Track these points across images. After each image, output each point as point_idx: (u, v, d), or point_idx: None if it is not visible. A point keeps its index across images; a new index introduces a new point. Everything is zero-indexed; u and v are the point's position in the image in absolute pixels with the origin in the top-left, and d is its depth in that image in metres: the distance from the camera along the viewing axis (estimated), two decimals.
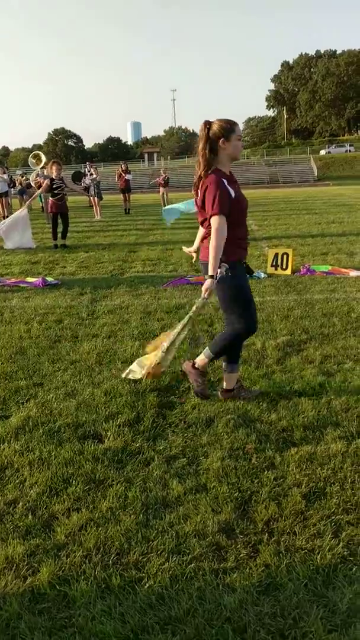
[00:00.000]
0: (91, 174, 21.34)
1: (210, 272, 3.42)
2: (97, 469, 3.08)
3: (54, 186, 12.02)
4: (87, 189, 22.06)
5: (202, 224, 3.69)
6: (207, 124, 3.47)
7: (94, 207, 20.74)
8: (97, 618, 2.07)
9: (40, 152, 18.05)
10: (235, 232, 3.53)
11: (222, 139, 3.45)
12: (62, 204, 12.27)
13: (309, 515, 2.63)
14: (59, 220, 12.36)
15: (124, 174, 21.59)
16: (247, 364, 4.56)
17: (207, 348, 3.96)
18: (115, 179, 22.79)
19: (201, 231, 3.76)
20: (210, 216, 3.44)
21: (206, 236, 3.61)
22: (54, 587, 2.25)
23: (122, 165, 22.19)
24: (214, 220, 3.41)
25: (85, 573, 2.31)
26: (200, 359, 3.95)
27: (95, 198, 20.49)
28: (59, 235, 12.41)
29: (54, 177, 12.08)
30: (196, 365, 3.96)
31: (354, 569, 2.28)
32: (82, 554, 2.42)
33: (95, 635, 2.00)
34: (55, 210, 12.27)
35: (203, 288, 3.49)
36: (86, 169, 23.82)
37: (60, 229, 12.42)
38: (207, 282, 3.44)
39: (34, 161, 19.62)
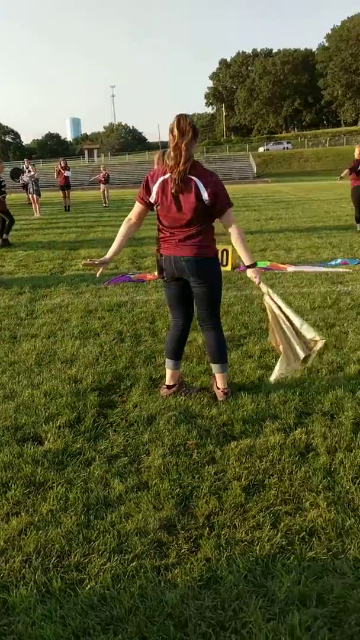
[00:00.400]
0: (29, 171, 20.94)
1: (249, 262, 3.74)
2: (37, 472, 3.03)
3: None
4: (25, 186, 21.64)
5: (189, 222, 3.57)
6: (189, 117, 3.43)
7: (33, 205, 20.35)
8: (37, 623, 2.04)
9: None
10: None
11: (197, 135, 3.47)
12: (2, 202, 12.06)
13: (249, 507, 2.68)
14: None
15: (63, 171, 21.27)
16: (189, 361, 4.59)
17: (217, 365, 3.89)
18: (54, 176, 22.41)
19: (184, 232, 3.62)
20: (227, 209, 3.63)
21: (196, 234, 3.62)
22: None
23: (61, 162, 21.85)
24: (232, 213, 3.68)
25: (25, 578, 2.27)
26: (222, 378, 3.90)
27: (34, 195, 20.11)
28: None
29: None
30: (221, 387, 3.90)
31: (292, 557, 2.33)
32: (22, 559, 2.38)
33: None
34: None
35: (253, 276, 3.75)
36: (24, 166, 23.33)
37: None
38: (253, 271, 3.75)
39: None
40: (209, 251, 3.71)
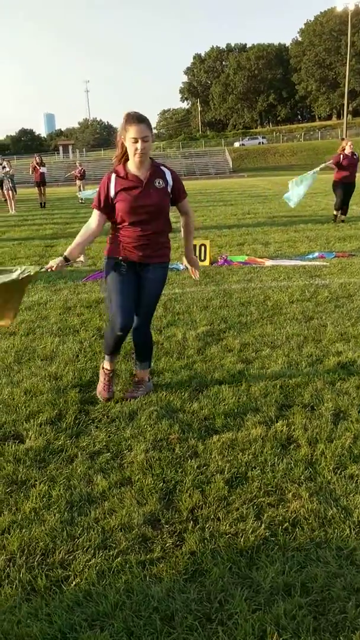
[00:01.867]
0: (4, 167, 20.70)
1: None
2: (19, 470, 3.01)
3: None
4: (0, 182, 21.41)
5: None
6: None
7: (8, 201, 20.13)
8: (23, 621, 2.03)
9: None
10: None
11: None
12: None
13: (232, 500, 2.70)
14: None
15: (38, 167, 21.08)
16: (169, 355, 4.59)
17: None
18: (29, 172, 22.20)
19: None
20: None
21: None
22: None
23: (37, 158, 21.66)
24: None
25: (9, 577, 2.26)
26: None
27: (10, 192, 19.90)
28: None
29: None
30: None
31: (275, 548, 2.36)
32: (6, 558, 2.36)
33: (21, 639, 1.96)
34: None
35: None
36: None
37: None
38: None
39: None
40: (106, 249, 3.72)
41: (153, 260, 3.62)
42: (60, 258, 3.54)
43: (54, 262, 3.52)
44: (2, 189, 21.45)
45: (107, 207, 3.51)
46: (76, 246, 3.54)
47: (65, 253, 3.55)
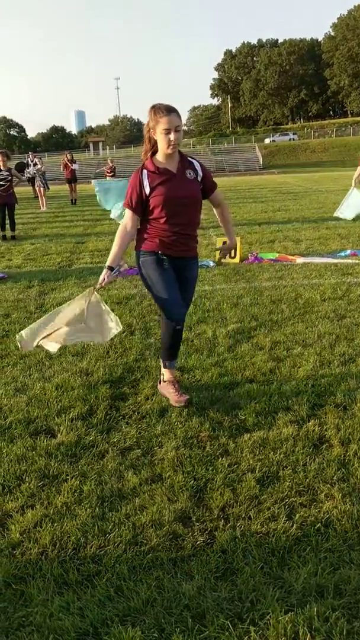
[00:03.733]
0: (35, 164, 20.93)
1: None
2: (50, 465, 3.04)
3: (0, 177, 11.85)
4: (31, 179, 21.64)
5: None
6: None
7: (40, 198, 20.34)
8: (55, 614, 2.05)
9: None
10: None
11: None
12: (7, 195, 12.07)
13: (263, 499, 2.67)
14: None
15: (69, 164, 21.23)
16: (199, 353, 4.58)
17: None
18: (60, 169, 22.38)
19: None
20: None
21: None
22: (9, 586, 2.21)
23: (68, 155, 21.81)
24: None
25: (41, 570, 2.28)
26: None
27: (41, 189, 20.11)
28: (7, 226, 12.25)
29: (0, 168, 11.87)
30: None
31: (308, 549, 2.33)
32: (38, 551, 2.39)
33: (54, 632, 1.98)
34: (0, 201, 12.09)
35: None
36: (29, 159, 23.31)
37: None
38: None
39: None
40: (139, 244, 3.65)
41: (188, 254, 3.61)
42: (105, 270, 3.54)
43: (102, 277, 3.54)
44: (33, 185, 21.68)
45: (141, 206, 3.46)
46: (117, 252, 3.53)
47: (108, 263, 3.55)
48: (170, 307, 3.54)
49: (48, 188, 20.62)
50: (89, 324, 3.68)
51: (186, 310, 3.76)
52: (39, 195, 20.53)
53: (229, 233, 3.91)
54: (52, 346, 3.66)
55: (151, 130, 3.35)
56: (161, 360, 3.82)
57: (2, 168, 11.87)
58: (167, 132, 3.26)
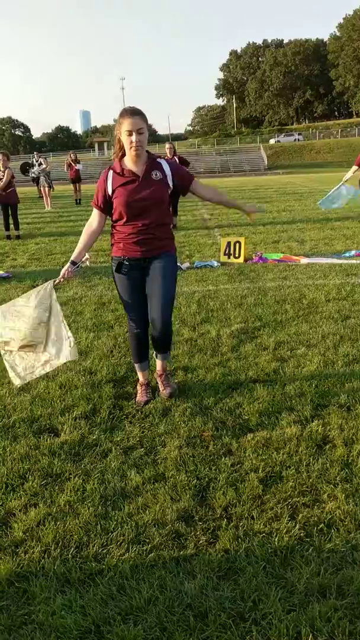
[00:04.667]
0: (40, 164, 20.96)
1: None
2: (53, 463, 3.04)
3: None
4: (36, 179, 21.67)
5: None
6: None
7: (44, 198, 20.37)
8: (57, 612, 2.06)
9: None
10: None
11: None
12: (9, 195, 12.09)
13: (266, 499, 2.67)
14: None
15: (74, 164, 21.25)
16: (203, 352, 4.58)
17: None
18: (64, 169, 22.41)
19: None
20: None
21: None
22: (12, 584, 2.21)
23: (71, 155, 21.83)
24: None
25: (44, 568, 2.29)
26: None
27: (46, 188, 20.14)
28: (11, 226, 12.28)
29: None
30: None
31: (310, 549, 2.33)
32: (41, 550, 2.39)
33: (56, 630, 1.98)
34: (2, 200, 12.11)
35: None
36: (34, 160, 23.35)
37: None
38: None
39: None
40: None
41: (156, 252, 3.56)
42: (68, 264, 3.61)
43: (64, 271, 3.61)
44: (38, 185, 21.70)
45: (106, 205, 3.53)
46: (81, 249, 3.65)
47: (72, 258, 3.63)
48: (128, 312, 3.76)
49: (53, 188, 20.63)
50: (51, 336, 3.60)
51: (166, 304, 3.60)
52: (43, 195, 20.55)
53: (228, 202, 3.92)
54: (15, 379, 3.65)
55: (117, 132, 3.37)
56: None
57: (0, 168, 11.90)
58: (129, 133, 3.28)
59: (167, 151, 12.31)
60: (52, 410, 3.67)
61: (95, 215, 3.61)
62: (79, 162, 21.73)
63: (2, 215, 12.33)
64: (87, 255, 3.78)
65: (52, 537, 2.46)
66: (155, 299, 3.58)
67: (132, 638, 1.93)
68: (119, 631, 1.96)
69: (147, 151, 3.45)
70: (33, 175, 22.21)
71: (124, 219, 3.48)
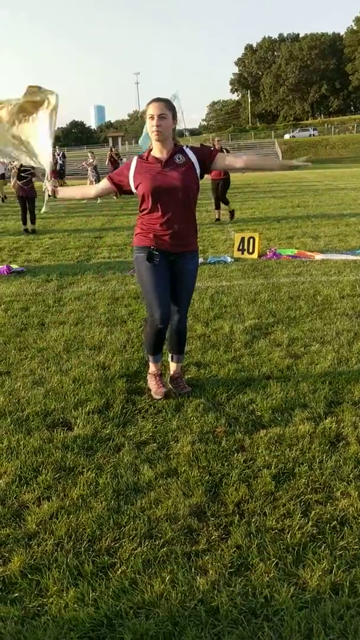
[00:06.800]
0: (88, 159, 21.40)
1: None
2: (67, 457, 3.06)
3: (23, 170, 12.10)
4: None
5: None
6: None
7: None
8: (70, 605, 2.07)
9: None
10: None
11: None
12: (29, 189, 12.28)
13: (279, 495, 2.67)
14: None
15: (116, 159, 21.56)
16: (216, 348, 4.58)
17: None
18: (106, 164, 22.80)
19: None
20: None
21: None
22: (25, 576, 2.23)
23: (113, 150, 22.17)
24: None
25: (57, 561, 2.30)
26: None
27: (94, 182, 20.51)
28: (28, 220, 12.41)
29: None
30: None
31: (323, 546, 2.32)
32: (54, 542, 2.41)
33: (69, 622, 2.00)
34: (22, 194, 12.27)
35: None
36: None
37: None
38: None
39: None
40: (135, 240, 3.66)
41: (184, 249, 3.55)
42: (54, 187, 3.82)
43: (50, 185, 3.82)
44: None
45: (118, 182, 3.55)
46: (69, 191, 4.03)
47: (59, 189, 3.85)
48: (155, 306, 3.54)
49: (99, 181, 21.01)
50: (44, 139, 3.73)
51: (186, 307, 3.75)
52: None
53: (280, 166, 4.07)
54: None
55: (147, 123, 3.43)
56: (145, 354, 3.89)
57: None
58: (152, 117, 3.33)
59: (216, 143, 12.91)
60: (66, 404, 3.69)
61: (102, 183, 3.69)
62: (121, 159, 22.01)
63: (21, 209, 12.45)
64: (49, 184, 3.80)
65: (65, 530, 2.47)
66: (180, 303, 3.69)
67: (144, 632, 1.94)
68: (130, 625, 1.97)
69: (174, 142, 3.47)
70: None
71: (149, 207, 3.45)
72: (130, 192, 3.56)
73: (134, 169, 3.47)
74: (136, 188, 3.47)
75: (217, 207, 13.03)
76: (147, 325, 3.72)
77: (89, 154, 21.77)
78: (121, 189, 3.58)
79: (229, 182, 13.04)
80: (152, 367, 3.86)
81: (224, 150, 12.18)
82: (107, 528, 2.49)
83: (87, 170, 20.71)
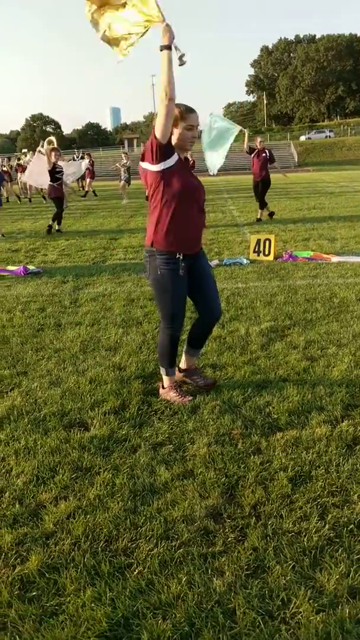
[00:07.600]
0: (121, 159, 21.54)
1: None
2: (83, 457, 3.07)
3: (57, 170, 12.54)
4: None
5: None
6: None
7: (123, 192, 20.95)
8: (87, 604, 2.08)
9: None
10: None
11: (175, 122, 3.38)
12: (60, 189, 12.79)
13: (295, 498, 2.66)
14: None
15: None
16: (232, 350, 4.57)
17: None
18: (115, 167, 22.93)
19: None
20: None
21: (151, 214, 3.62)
22: (43, 575, 2.25)
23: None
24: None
25: (74, 560, 2.32)
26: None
27: (124, 182, 20.65)
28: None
29: (54, 163, 12.53)
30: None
31: (340, 550, 2.31)
32: (71, 542, 2.42)
33: (86, 621, 2.01)
34: (57, 194, 12.67)
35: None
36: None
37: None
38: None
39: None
40: (153, 238, 3.55)
41: (200, 246, 3.73)
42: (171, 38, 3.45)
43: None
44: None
45: (169, 142, 3.34)
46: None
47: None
48: (177, 317, 3.63)
49: (129, 183, 21.08)
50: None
51: (219, 298, 3.82)
52: (122, 189, 20.91)
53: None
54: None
55: (176, 127, 3.38)
56: (161, 368, 3.83)
57: (58, 163, 12.48)
58: (192, 128, 3.42)
59: (258, 145, 13.37)
60: (82, 404, 3.71)
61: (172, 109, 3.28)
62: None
63: (57, 209, 12.70)
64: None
65: (82, 530, 2.49)
66: (213, 294, 3.74)
67: (161, 632, 1.94)
68: (147, 625, 1.97)
69: None
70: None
71: (180, 205, 3.41)
72: (162, 156, 3.33)
73: (177, 158, 3.41)
74: (168, 175, 3.37)
75: (261, 207, 13.40)
76: (163, 337, 3.71)
77: (123, 155, 22.01)
78: (166, 146, 3.32)
79: (269, 183, 13.35)
80: (167, 381, 3.79)
81: (267, 152, 12.60)
82: (124, 528, 2.50)
83: (120, 171, 20.88)
